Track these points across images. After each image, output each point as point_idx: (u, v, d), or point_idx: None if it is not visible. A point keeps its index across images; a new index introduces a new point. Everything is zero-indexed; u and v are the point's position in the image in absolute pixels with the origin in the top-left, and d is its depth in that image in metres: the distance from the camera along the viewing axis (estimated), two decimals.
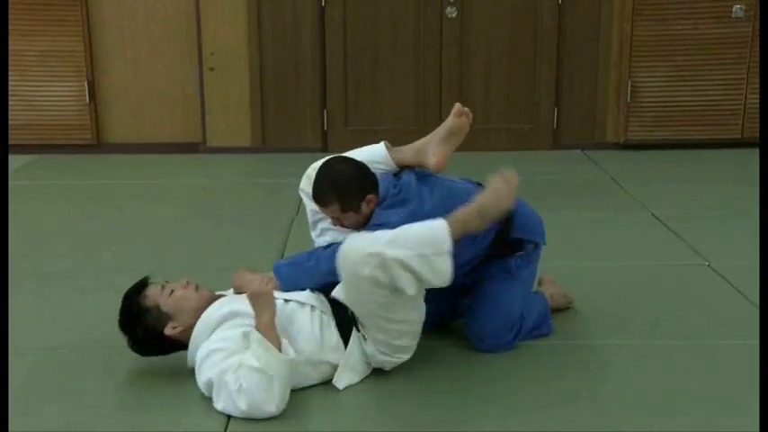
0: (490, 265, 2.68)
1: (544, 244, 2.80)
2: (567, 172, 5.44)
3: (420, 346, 2.56)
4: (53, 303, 3.20)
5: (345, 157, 2.67)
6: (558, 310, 2.98)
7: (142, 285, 2.51)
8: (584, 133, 6.01)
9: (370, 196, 2.56)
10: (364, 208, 2.56)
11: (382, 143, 2.76)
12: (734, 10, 5.67)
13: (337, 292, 2.42)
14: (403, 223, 2.40)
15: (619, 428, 2.27)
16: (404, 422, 2.33)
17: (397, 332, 2.43)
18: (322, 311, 2.48)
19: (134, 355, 2.59)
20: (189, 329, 2.43)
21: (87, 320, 3.01)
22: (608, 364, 2.67)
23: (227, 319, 2.40)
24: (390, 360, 2.49)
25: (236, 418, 2.28)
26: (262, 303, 2.37)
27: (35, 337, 2.88)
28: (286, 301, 2.49)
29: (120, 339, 2.76)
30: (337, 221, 2.60)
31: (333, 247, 2.49)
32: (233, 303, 2.45)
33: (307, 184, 2.73)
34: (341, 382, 2.45)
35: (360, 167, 2.60)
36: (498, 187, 2.46)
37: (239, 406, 2.24)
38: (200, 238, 4.01)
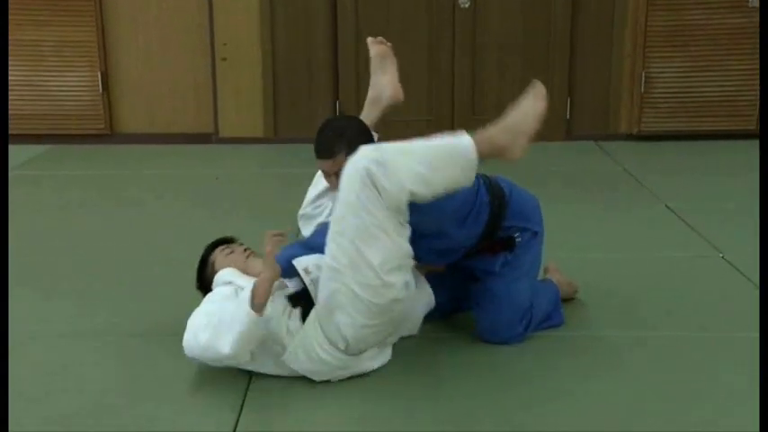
0: (486, 262, 2.65)
1: (542, 231, 2.75)
2: (581, 163, 5.42)
3: (429, 338, 2.55)
4: (65, 293, 3.22)
5: (343, 115, 2.66)
6: (564, 299, 2.95)
7: (221, 242, 2.71)
8: (598, 124, 5.98)
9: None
10: None
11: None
12: None
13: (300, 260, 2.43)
14: None
15: (630, 422, 2.26)
16: (407, 417, 2.33)
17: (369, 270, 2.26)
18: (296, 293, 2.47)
19: (147, 345, 2.61)
20: None
21: (99, 310, 3.02)
22: (619, 356, 2.66)
23: (222, 285, 2.50)
24: (340, 319, 2.32)
25: (246, 412, 2.29)
26: (271, 263, 2.34)
27: (46, 327, 2.90)
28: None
29: (132, 328, 2.80)
30: (337, 181, 2.41)
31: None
32: (238, 278, 2.49)
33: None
34: (294, 364, 2.38)
35: (357, 119, 2.60)
36: (525, 102, 2.37)
37: (199, 340, 2.32)
38: (213, 228, 4.00)
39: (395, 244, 2.28)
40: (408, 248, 2.33)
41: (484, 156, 2.32)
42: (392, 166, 2.22)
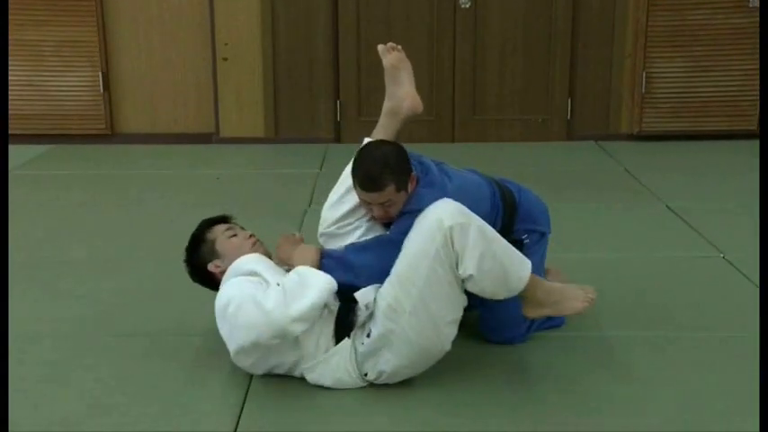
0: None
1: (549, 233, 2.78)
2: (581, 163, 5.42)
3: None
4: (66, 292, 3.22)
5: (380, 141, 2.59)
6: None
7: (218, 220, 2.65)
8: (599, 124, 5.98)
9: (412, 174, 2.48)
10: (409, 187, 2.47)
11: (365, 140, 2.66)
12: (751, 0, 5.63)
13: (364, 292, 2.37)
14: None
15: (630, 421, 2.26)
16: (408, 416, 2.33)
17: (408, 326, 2.32)
18: (329, 310, 2.39)
19: (147, 342, 2.61)
20: None
21: (100, 309, 3.02)
22: (620, 356, 2.66)
23: (247, 275, 2.42)
24: (384, 354, 2.34)
25: (247, 410, 2.29)
26: (304, 256, 2.43)
27: (47, 326, 2.90)
28: None
29: (133, 327, 2.79)
30: (384, 211, 2.46)
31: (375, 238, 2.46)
32: (259, 263, 2.45)
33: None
34: (311, 374, 2.38)
35: (397, 146, 2.51)
36: (578, 295, 2.45)
37: (265, 305, 2.25)
38: None
39: (458, 299, 2.35)
40: (465, 301, 2.39)
41: (526, 294, 2.40)
42: (471, 240, 2.26)
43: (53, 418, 2.30)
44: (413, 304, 2.30)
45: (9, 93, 5.80)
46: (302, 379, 2.42)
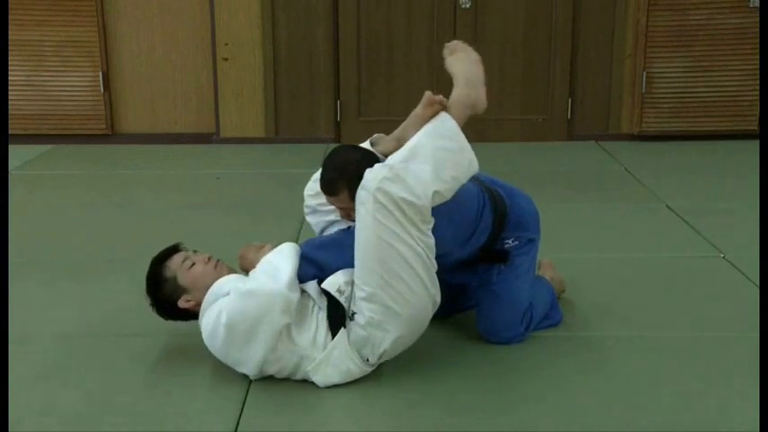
0: (480, 275, 2.68)
1: (539, 239, 2.77)
2: (582, 163, 5.42)
3: (429, 337, 2.55)
4: (66, 292, 3.22)
5: (351, 145, 2.63)
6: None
7: (168, 253, 2.56)
8: (599, 124, 5.98)
9: None
10: None
11: (368, 141, 2.67)
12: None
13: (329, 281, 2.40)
14: None
15: (630, 421, 2.26)
16: (409, 416, 2.33)
17: (397, 281, 2.31)
18: (319, 306, 2.42)
19: (147, 343, 2.61)
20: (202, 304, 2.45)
21: (100, 309, 3.03)
22: (620, 356, 2.66)
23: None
24: (377, 335, 2.35)
25: (247, 409, 2.29)
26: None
27: (48, 326, 2.90)
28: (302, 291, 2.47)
29: (134, 327, 2.79)
30: (345, 212, 2.52)
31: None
32: (234, 281, 2.43)
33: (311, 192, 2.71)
34: (317, 376, 2.38)
35: (366, 153, 2.54)
36: (459, 58, 2.61)
37: (254, 288, 2.32)
38: (214, 229, 4.02)
39: (419, 249, 2.32)
40: (431, 246, 2.35)
41: (462, 119, 2.44)
42: (408, 176, 2.27)
43: (53, 418, 2.30)
44: (381, 280, 2.30)
45: (9, 93, 5.81)
46: (302, 379, 2.42)
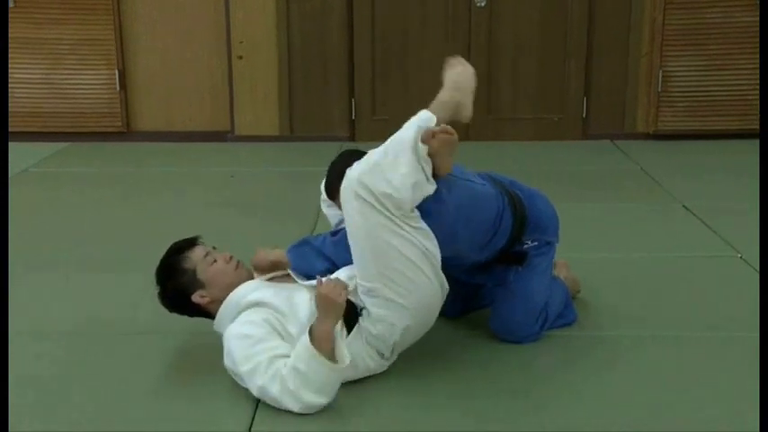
0: (496, 276, 2.68)
1: (557, 242, 2.76)
2: (597, 162, 5.39)
3: (442, 336, 2.55)
4: (81, 290, 3.23)
5: (355, 150, 2.61)
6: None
7: (188, 244, 2.50)
8: (614, 123, 5.95)
9: None
10: None
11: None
12: None
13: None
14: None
15: (641, 422, 2.25)
16: (422, 416, 2.33)
17: (396, 275, 2.30)
18: None
19: (161, 341, 2.61)
20: (217, 303, 2.43)
21: (115, 306, 3.04)
22: (635, 356, 2.64)
23: (251, 307, 2.37)
24: (385, 329, 2.35)
25: (261, 409, 2.30)
26: (328, 310, 2.26)
27: (60, 323, 2.91)
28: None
29: (148, 325, 2.79)
30: None
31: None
32: (261, 291, 2.42)
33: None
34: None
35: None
36: (455, 67, 2.59)
37: (270, 391, 2.23)
38: (228, 226, 4.03)
39: (413, 237, 2.30)
40: (425, 232, 2.33)
41: (443, 119, 2.42)
42: (386, 168, 2.27)
43: (56, 417, 2.29)
44: (378, 274, 2.30)
45: (26, 91, 5.87)
46: None
